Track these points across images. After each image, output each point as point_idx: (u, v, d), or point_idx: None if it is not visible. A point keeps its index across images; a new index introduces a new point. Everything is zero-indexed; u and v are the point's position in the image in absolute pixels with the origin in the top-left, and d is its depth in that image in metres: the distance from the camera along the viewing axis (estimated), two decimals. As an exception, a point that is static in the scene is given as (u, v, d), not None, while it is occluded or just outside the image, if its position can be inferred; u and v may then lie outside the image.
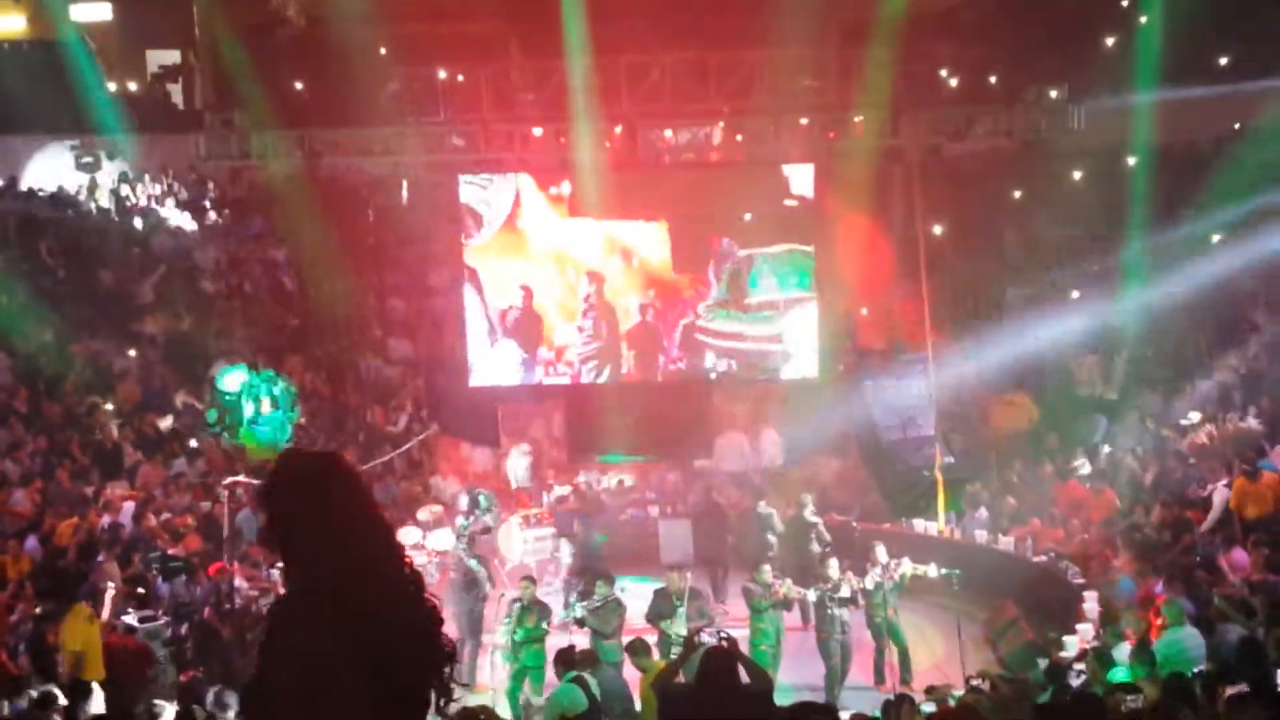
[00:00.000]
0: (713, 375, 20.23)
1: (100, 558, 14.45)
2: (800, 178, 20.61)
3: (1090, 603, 14.70)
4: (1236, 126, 22.06)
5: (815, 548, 16.48)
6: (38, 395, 18.26)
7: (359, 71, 21.17)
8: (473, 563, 15.41)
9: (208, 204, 23.63)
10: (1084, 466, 18.34)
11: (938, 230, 21.12)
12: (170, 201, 23.45)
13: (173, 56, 25.82)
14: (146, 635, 12.98)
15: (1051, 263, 22.36)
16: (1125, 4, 22.47)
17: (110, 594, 13.48)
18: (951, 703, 10.62)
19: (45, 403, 18.16)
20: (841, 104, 21.48)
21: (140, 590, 14.17)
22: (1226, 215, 20.31)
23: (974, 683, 12.00)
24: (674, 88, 21.51)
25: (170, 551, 15.27)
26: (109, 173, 23.40)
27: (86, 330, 19.91)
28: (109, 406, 18.48)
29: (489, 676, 14.49)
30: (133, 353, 19.94)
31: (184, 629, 13.96)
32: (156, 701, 10.19)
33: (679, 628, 13.51)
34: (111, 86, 24.26)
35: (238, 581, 14.57)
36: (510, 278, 20.70)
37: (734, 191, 20.74)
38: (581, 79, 20.30)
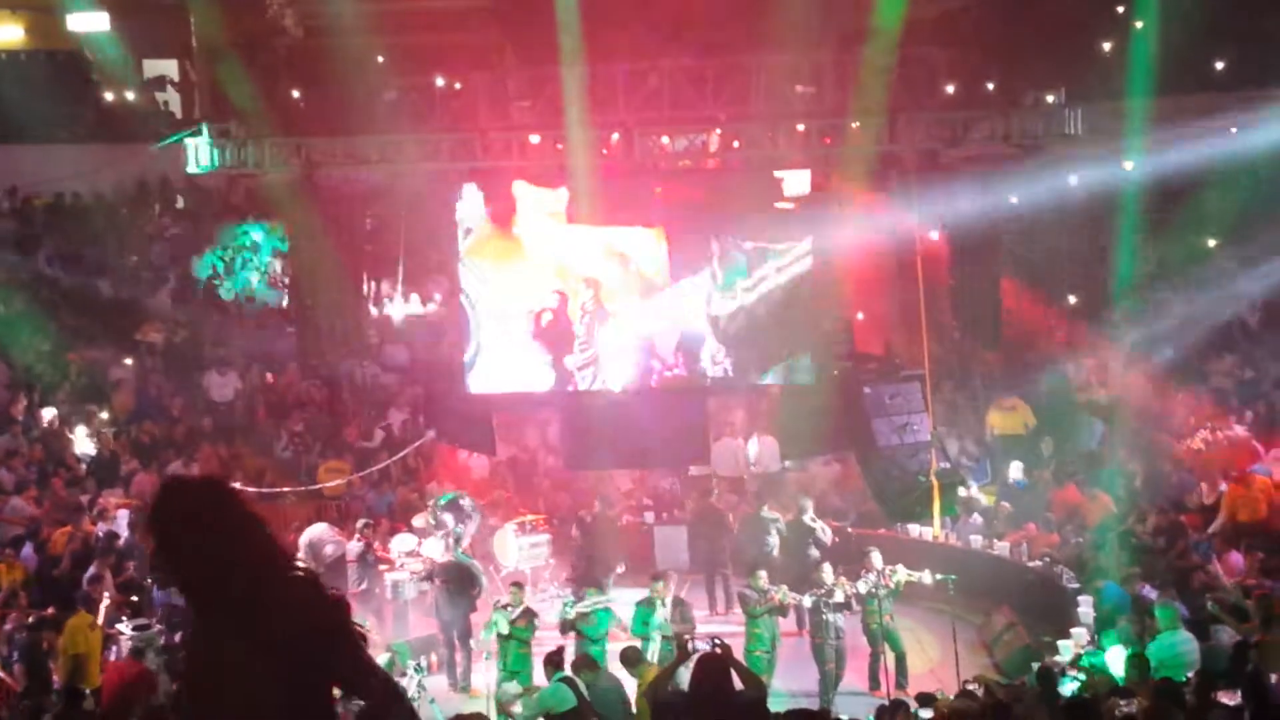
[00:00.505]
0: (708, 381, 20.14)
1: (94, 568, 14.49)
2: (796, 181, 20.54)
3: (1085, 607, 14.70)
4: (1233, 131, 22.06)
5: (814, 552, 16.49)
6: (33, 404, 18.30)
7: (356, 80, 21.20)
8: (464, 558, 15.64)
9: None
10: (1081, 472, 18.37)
11: (934, 235, 21.11)
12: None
13: (170, 66, 25.84)
14: (140, 643, 12.99)
15: (1050, 268, 22.37)
16: (1121, 10, 22.45)
17: (105, 603, 13.53)
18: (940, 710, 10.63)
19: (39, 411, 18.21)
20: (838, 109, 21.46)
21: (134, 598, 14.19)
22: (1222, 220, 20.36)
23: (969, 687, 12.00)
24: (671, 94, 21.50)
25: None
26: (109, 181, 23.47)
27: (84, 339, 19.96)
28: (104, 415, 18.53)
29: (483, 681, 14.54)
30: (129, 361, 19.97)
31: (178, 637, 13.97)
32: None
33: (662, 630, 13.67)
34: (109, 96, 24.32)
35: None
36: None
37: (730, 195, 20.68)
38: (578, 86, 20.31)
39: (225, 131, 22.02)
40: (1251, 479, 15.78)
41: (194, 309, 22.33)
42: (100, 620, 13.37)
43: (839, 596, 14.35)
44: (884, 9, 19.93)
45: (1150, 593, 13.72)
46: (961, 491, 18.33)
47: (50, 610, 13.46)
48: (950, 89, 21.70)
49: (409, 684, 12.99)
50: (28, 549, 15.23)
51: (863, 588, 14.54)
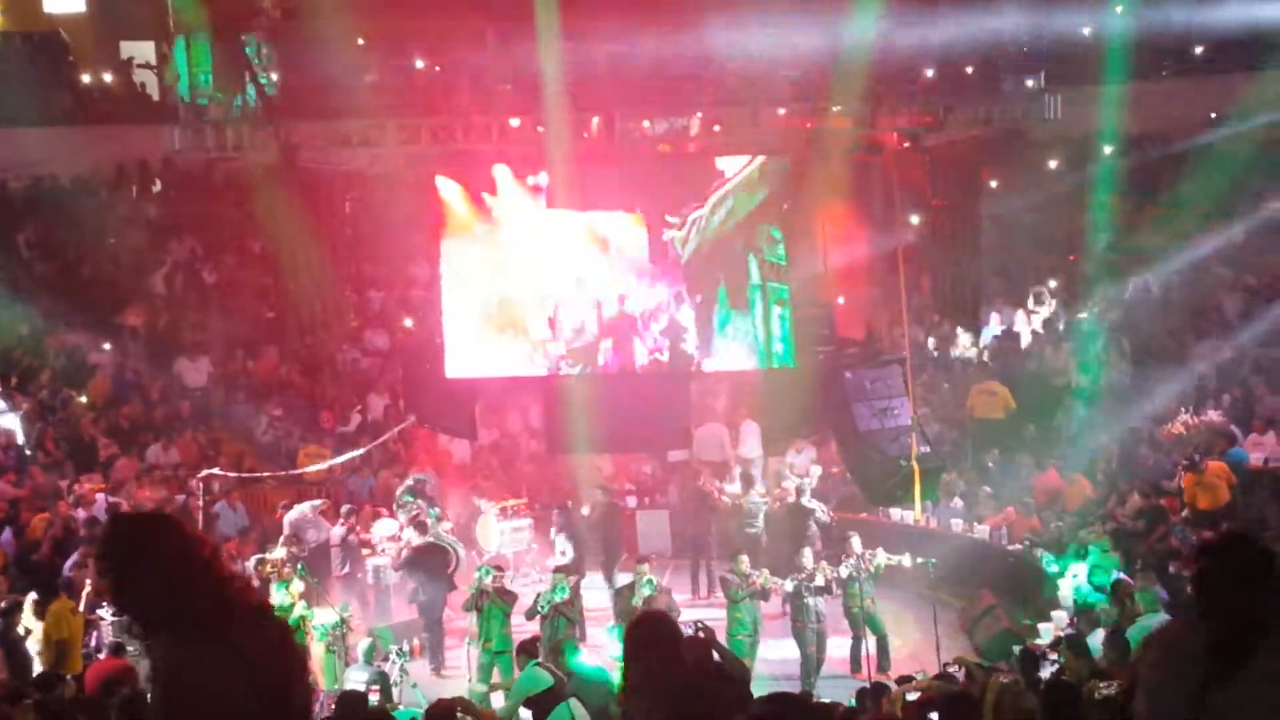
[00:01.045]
0: (694, 366, 20.11)
1: (78, 555, 14.43)
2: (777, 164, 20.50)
3: (1064, 590, 14.78)
4: (1213, 115, 22.17)
5: (814, 530, 16.58)
6: (11, 389, 18.19)
7: (335, 64, 21.10)
8: (445, 538, 15.74)
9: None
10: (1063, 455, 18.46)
11: (915, 219, 21.14)
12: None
13: (147, 48, 25.63)
14: (119, 629, 12.94)
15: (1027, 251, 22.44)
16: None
17: (86, 589, 13.48)
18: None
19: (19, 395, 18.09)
20: (820, 94, 21.48)
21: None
22: (1201, 204, 20.45)
23: (950, 669, 12.05)
24: (652, 78, 21.49)
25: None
26: (87, 164, 23.27)
27: (63, 323, 19.83)
28: (83, 399, 18.44)
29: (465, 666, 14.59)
30: (108, 346, 19.86)
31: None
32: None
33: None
34: (86, 78, 24.15)
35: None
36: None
37: (711, 179, 20.63)
38: (558, 70, 20.25)
39: (203, 114, 21.92)
40: (1205, 465, 15.83)
41: (176, 292, 22.17)
42: (81, 607, 13.32)
43: (819, 580, 14.40)
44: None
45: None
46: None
47: (33, 596, 13.36)
48: (930, 73, 21.77)
49: (391, 668, 13.01)
50: (6, 534, 15.15)
51: (844, 572, 14.59)
